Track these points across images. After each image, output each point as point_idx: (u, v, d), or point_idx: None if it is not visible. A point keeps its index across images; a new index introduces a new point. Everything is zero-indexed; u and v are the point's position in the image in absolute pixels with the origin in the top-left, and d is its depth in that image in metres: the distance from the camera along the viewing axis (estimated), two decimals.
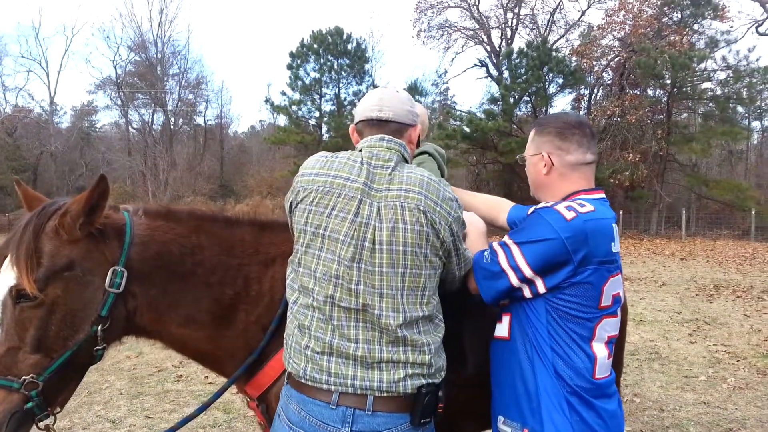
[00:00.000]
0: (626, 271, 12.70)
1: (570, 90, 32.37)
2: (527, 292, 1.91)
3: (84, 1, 72.61)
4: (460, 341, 2.19)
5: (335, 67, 35.59)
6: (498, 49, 36.76)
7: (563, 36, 36.71)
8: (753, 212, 26.16)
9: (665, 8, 29.03)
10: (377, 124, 1.92)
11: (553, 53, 30.69)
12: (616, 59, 30.21)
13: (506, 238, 1.97)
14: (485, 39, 37.50)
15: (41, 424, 1.78)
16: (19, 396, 1.72)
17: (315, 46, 34.88)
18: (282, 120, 38.14)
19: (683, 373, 6.36)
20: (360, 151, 1.88)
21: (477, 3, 36.57)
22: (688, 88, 28.97)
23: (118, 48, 43.69)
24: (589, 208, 1.91)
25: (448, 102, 40.99)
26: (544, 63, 29.63)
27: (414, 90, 32.81)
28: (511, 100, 30.67)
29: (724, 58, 29.24)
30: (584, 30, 34.93)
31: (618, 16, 29.82)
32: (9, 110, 42.67)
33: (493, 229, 2.43)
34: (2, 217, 31.41)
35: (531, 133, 2.18)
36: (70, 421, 4.93)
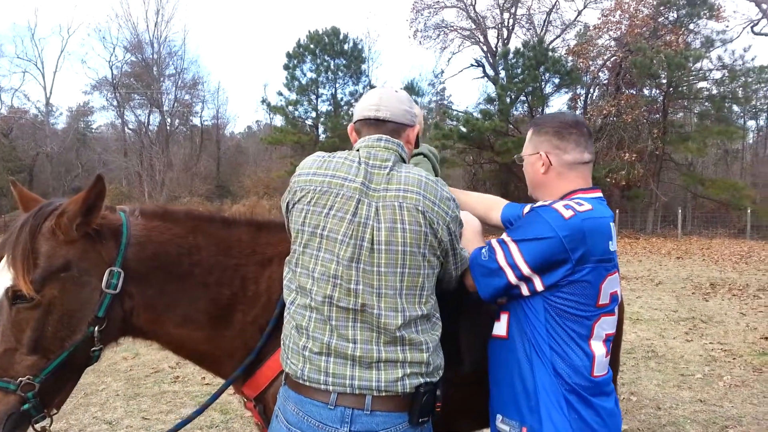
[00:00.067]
0: (622, 269, 12.70)
1: (566, 90, 32.40)
2: (525, 290, 1.92)
3: (80, 1, 72.50)
4: (457, 340, 2.19)
5: (332, 67, 35.56)
6: (494, 49, 36.80)
7: (559, 36, 36.77)
8: (749, 211, 26.21)
9: (661, 8, 29.08)
10: (375, 124, 1.92)
11: (550, 53, 30.68)
12: (612, 59, 30.25)
13: (504, 236, 1.97)
14: (482, 39, 37.55)
15: (38, 426, 1.78)
16: (16, 397, 1.71)
17: (311, 46, 34.84)
18: (279, 120, 38.15)
19: (680, 371, 6.37)
20: (357, 150, 1.88)
21: (473, 3, 36.62)
22: (684, 88, 29.02)
23: (114, 48, 43.67)
24: (587, 206, 1.92)
25: (445, 102, 41.14)
26: (541, 63, 29.63)
27: (411, 90, 32.78)
28: (508, 99, 30.66)
29: (719, 58, 29.36)
30: (580, 30, 34.98)
31: (614, 16, 29.88)
32: (5, 111, 42.55)
33: (487, 227, 2.44)
34: None
35: (528, 132, 2.18)
36: (67, 422, 4.92)
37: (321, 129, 36.21)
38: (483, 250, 2.00)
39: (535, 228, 1.91)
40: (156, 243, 1.98)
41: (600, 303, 1.92)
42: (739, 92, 29.21)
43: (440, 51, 48.01)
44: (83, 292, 1.82)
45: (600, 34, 30.47)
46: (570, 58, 30.50)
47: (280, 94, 35.88)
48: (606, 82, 31.51)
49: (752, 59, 29.32)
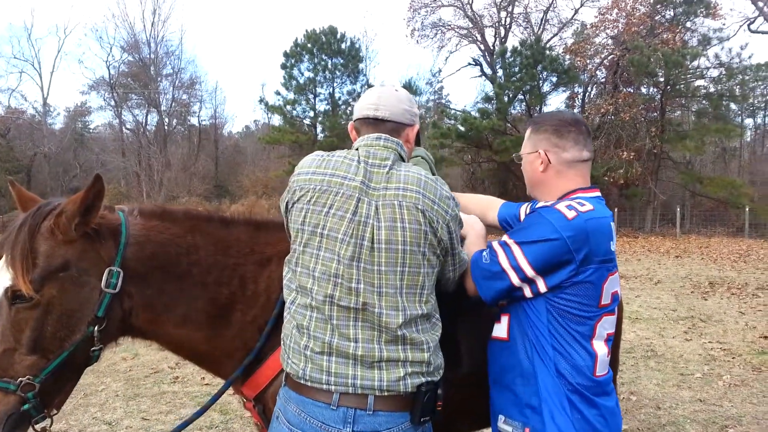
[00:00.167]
0: (621, 268, 12.69)
1: (564, 88, 32.42)
2: (528, 292, 1.91)
3: (76, 1, 72.42)
4: (456, 341, 2.19)
5: (329, 66, 35.57)
6: (492, 48, 36.82)
7: (557, 34, 36.81)
8: (747, 209, 26.23)
9: (658, 6, 29.11)
10: (374, 123, 1.92)
11: (547, 52, 30.69)
12: (609, 57, 30.27)
13: (506, 238, 1.96)
14: (479, 38, 37.60)
15: (38, 427, 1.77)
16: (16, 398, 1.71)
17: (309, 45, 34.84)
18: (276, 120, 38.20)
19: (679, 370, 6.37)
20: (357, 149, 1.88)
21: (470, 2, 36.65)
22: (682, 86, 29.06)
23: (111, 48, 43.55)
24: (589, 207, 1.92)
25: (443, 101, 41.17)
26: (538, 61, 29.64)
27: (408, 89, 32.59)
28: (506, 98, 30.67)
29: (716, 56, 29.36)
30: (577, 28, 35.08)
31: (611, 15, 29.89)
32: (2, 111, 42.43)
33: (489, 229, 2.43)
34: None
35: (527, 131, 2.18)
36: (66, 423, 4.91)
37: (319, 128, 36.23)
38: (484, 253, 1.99)
39: (538, 229, 1.90)
40: (155, 243, 1.98)
41: (602, 303, 1.92)
42: (737, 90, 29.21)
43: (438, 50, 48.10)
44: (82, 291, 1.81)
45: (597, 32, 30.48)
46: (567, 56, 30.51)
47: (277, 93, 35.92)
48: (603, 80, 31.52)
49: (749, 57, 29.54)
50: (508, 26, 37.68)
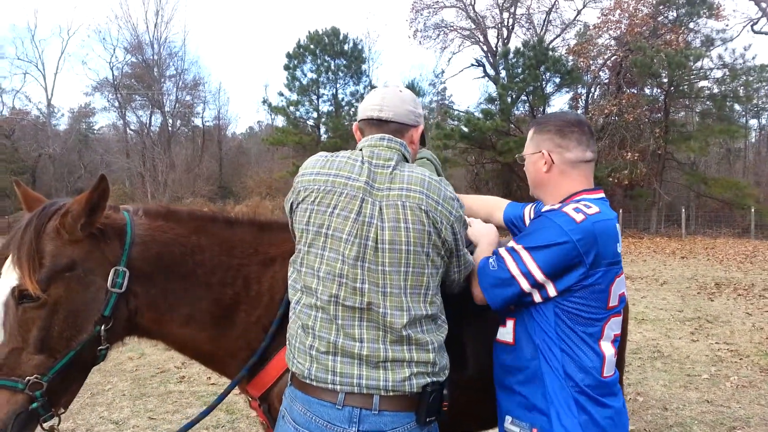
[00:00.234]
0: (627, 269, 12.67)
1: (567, 89, 32.41)
2: (537, 297, 1.90)
3: (79, 2, 72.66)
4: (462, 343, 2.19)
5: (332, 67, 35.65)
6: (494, 49, 36.82)
7: (559, 35, 36.76)
8: (752, 210, 26.19)
9: (661, 7, 29.06)
10: (377, 124, 1.92)
11: (550, 52, 30.69)
12: (612, 58, 30.26)
13: (513, 244, 1.95)
14: (482, 39, 37.57)
15: (45, 425, 1.78)
16: (24, 396, 1.71)
17: (312, 46, 34.92)
18: (280, 121, 38.29)
19: (686, 371, 6.35)
20: (360, 150, 1.88)
21: (473, 3, 36.65)
22: (685, 87, 29.02)
23: (114, 50, 44.00)
24: (596, 209, 1.91)
25: (446, 102, 41.16)
26: (541, 62, 29.65)
27: (411, 90, 32.55)
28: (509, 99, 30.67)
29: (720, 57, 29.35)
30: (580, 29, 35.00)
31: (614, 15, 29.87)
32: (6, 113, 42.72)
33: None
34: (2, 219, 31.36)
35: (530, 132, 2.17)
36: (74, 422, 4.92)
37: (322, 129, 36.30)
38: (490, 260, 1.98)
39: (547, 233, 1.88)
40: (160, 243, 1.98)
41: (610, 305, 1.92)
42: (741, 91, 29.17)
43: (440, 51, 48.19)
44: (89, 291, 1.82)
45: (600, 33, 30.47)
46: (570, 57, 30.51)
47: (281, 94, 36.06)
48: (607, 81, 31.53)
49: (753, 58, 29.40)
50: (510, 27, 37.70)
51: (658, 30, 28.50)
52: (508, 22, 37.56)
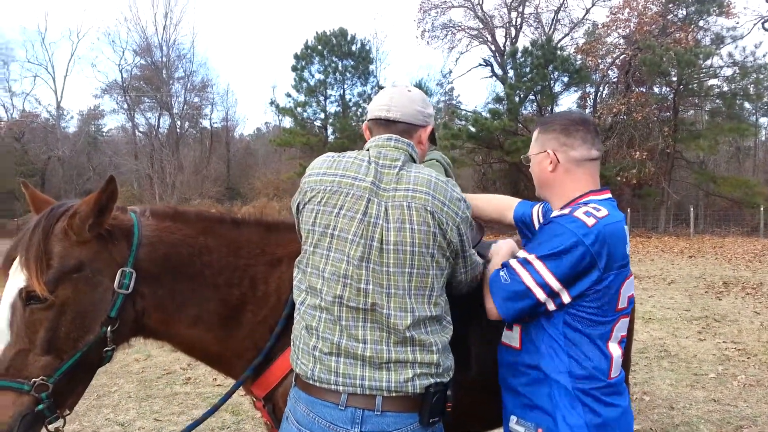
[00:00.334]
0: (634, 269, 12.62)
1: (575, 88, 32.29)
2: (551, 306, 1.88)
3: (89, 5, 73.02)
4: (467, 344, 2.18)
5: (340, 68, 35.64)
6: (502, 49, 36.72)
7: (568, 34, 36.61)
8: (762, 209, 26.01)
9: (670, 5, 28.94)
10: (385, 124, 1.92)
11: (558, 52, 30.57)
12: (621, 57, 30.14)
13: (525, 254, 1.92)
14: (489, 38, 37.48)
15: (51, 427, 1.78)
16: (30, 398, 1.71)
17: (319, 47, 34.92)
18: (287, 122, 38.33)
19: (693, 370, 6.32)
20: (367, 150, 1.88)
21: (481, 2, 36.56)
22: (695, 85, 28.86)
23: (123, 52, 44.11)
24: (604, 211, 1.90)
25: (453, 102, 41.11)
26: (549, 61, 29.54)
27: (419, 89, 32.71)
28: (517, 99, 30.58)
29: (730, 55, 29.15)
30: (589, 28, 34.90)
31: (623, 14, 29.79)
32: (16, 115, 42.98)
33: (500, 228, 2.41)
34: (11, 222, 31.56)
35: (534, 132, 2.17)
36: (80, 424, 4.95)
37: (330, 130, 36.28)
38: (501, 273, 1.94)
39: (559, 240, 1.86)
40: (167, 243, 1.99)
41: (619, 307, 1.92)
42: (751, 89, 28.94)
43: (448, 51, 48.03)
44: (96, 292, 1.82)
45: (609, 32, 30.38)
46: (579, 56, 30.39)
47: (288, 95, 36.05)
48: (615, 80, 31.39)
49: (763, 55, 29.20)
50: (518, 26, 37.59)
51: (668, 28, 28.36)
52: (516, 21, 37.49)
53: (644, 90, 29.28)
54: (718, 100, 29.58)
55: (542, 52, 29.70)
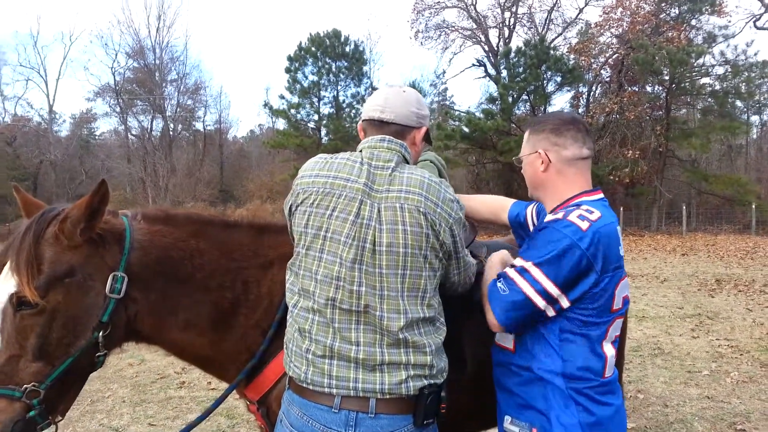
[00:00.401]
0: (628, 267, 12.65)
1: (568, 88, 32.31)
2: (551, 312, 1.87)
3: (82, 8, 72.77)
4: (461, 344, 2.18)
5: (333, 69, 35.60)
6: (496, 49, 36.74)
7: (561, 34, 36.66)
8: (753, 206, 26.12)
9: (663, 4, 29.03)
10: (378, 125, 1.91)
11: (551, 51, 30.61)
12: (614, 56, 30.22)
13: (521, 262, 1.91)
14: (483, 38, 37.49)
15: None
16: (21, 405, 1.70)
17: (313, 49, 34.88)
18: (281, 124, 38.23)
19: (686, 368, 6.35)
20: (360, 151, 1.87)
21: (474, 3, 36.56)
22: (687, 84, 28.95)
23: (116, 55, 43.78)
24: (597, 213, 1.89)
25: (447, 102, 41.11)
26: (542, 61, 29.59)
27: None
28: (510, 99, 30.61)
29: (722, 53, 29.24)
30: (582, 28, 34.99)
31: (615, 13, 29.86)
32: (8, 119, 42.83)
33: (495, 228, 2.41)
34: (2, 226, 31.39)
35: (525, 134, 2.16)
36: (74, 430, 4.92)
37: (323, 132, 36.25)
38: (499, 284, 1.92)
39: (555, 245, 1.84)
40: (158, 247, 1.97)
41: (614, 308, 1.92)
42: (742, 87, 29.08)
43: (442, 51, 47.92)
44: (87, 297, 1.81)
45: (601, 31, 30.48)
46: (572, 56, 30.46)
47: (282, 97, 36.01)
48: (608, 79, 31.48)
49: (755, 54, 29.36)
50: (512, 27, 37.60)
51: (660, 27, 28.46)
52: (509, 21, 37.50)
53: (637, 89, 29.38)
54: (710, 99, 29.70)
55: (535, 52, 29.75)
